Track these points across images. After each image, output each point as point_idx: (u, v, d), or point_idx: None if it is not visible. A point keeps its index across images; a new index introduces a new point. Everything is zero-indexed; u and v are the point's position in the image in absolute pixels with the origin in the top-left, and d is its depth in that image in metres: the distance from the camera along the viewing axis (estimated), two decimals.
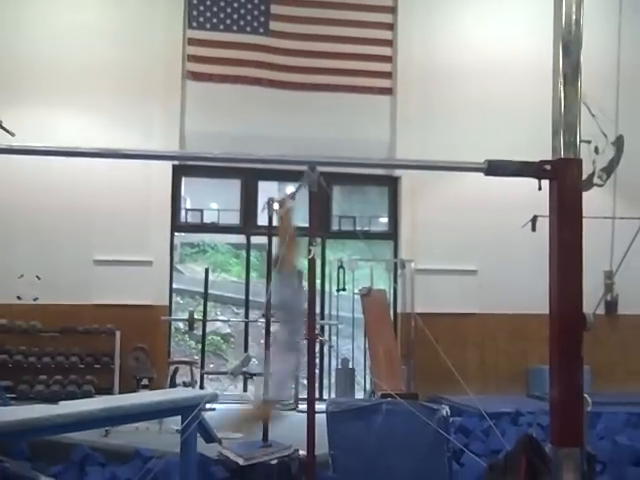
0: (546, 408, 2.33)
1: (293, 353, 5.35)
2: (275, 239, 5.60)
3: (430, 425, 5.11)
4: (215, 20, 10.75)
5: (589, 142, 10.50)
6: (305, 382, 5.76)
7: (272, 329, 7.17)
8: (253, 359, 9.75)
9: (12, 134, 9.84)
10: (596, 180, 10.83)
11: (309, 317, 5.40)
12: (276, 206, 7.05)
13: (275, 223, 7.59)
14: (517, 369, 10.52)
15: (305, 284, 7.52)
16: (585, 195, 2.35)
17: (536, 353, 9.80)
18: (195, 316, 10.32)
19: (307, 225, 5.68)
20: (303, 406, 7.41)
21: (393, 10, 11.13)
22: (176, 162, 10.07)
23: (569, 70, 2.32)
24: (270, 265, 7.71)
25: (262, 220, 8.92)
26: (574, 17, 2.32)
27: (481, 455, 5.86)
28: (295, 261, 5.61)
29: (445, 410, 5.27)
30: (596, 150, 10.67)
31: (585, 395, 2.28)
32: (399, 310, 10.86)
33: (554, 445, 2.25)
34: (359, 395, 10.29)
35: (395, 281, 10.94)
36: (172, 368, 9.40)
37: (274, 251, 5.46)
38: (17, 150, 3.79)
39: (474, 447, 6.55)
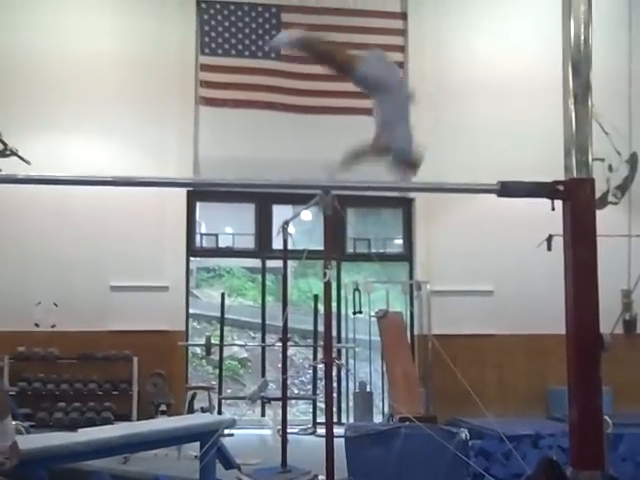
0: (567, 430, 2.30)
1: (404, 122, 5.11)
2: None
3: (449, 449, 5.07)
4: (227, 46, 10.85)
5: (603, 160, 10.48)
6: (323, 406, 5.72)
7: (289, 352, 7.13)
8: (270, 384, 9.73)
9: (28, 162, 9.95)
10: (611, 198, 10.79)
11: (326, 340, 5.39)
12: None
13: (290, 246, 7.61)
14: (536, 390, 10.41)
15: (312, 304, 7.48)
16: (600, 213, 2.34)
17: (555, 374, 9.68)
18: (212, 341, 10.32)
19: (322, 248, 5.69)
20: (321, 430, 7.39)
21: (403, 33, 11.19)
22: (191, 188, 10.13)
23: (579, 90, 2.32)
24: (285, 289, 7.70)
25: (277, 244, 8.95)
26: (583, 37, 2.32)
27: (502, 479, 5.79)
28: None
29: (464, 433, 5.23)
30: (610, 168, 10.63)
31: (605, 416, 2.26)
32: (416, 332, 10.80)
33: (575, 468, 2.22)
34: (377, 418, 10.22)
35: (411, 303, 10.90)
36: (190, 394, 9.40)
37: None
38: (33, 180, 3.82)
39: (495, 471, 6.47)
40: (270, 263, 11.11)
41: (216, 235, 11.07)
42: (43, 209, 9.87)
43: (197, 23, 10.80)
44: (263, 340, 10.98)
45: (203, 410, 9.26)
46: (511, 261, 10.55)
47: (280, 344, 7.68)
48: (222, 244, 11.01)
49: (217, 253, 11.42)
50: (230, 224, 12.00)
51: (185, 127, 10.55)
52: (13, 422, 3.20)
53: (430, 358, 10.04)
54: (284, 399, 7.58)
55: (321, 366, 6.86)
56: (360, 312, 10.50)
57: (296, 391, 13.15)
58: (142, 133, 10.31)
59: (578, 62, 2.32)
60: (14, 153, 10.06)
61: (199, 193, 10.57)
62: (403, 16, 11.21)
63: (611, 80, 10.17)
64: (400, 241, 11.46)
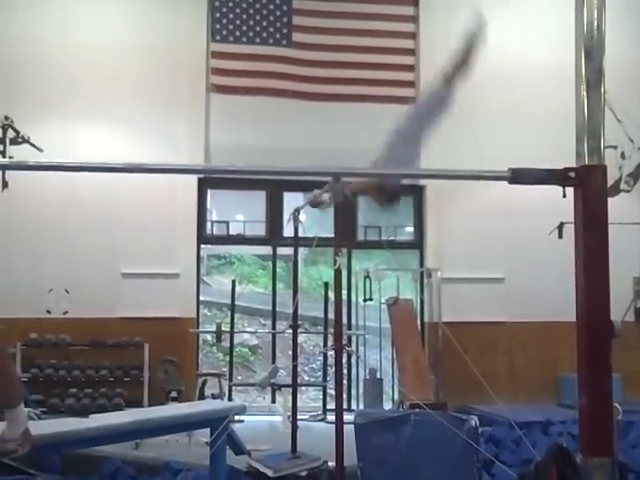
0: (577, 417, 2.30)
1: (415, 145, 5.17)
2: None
3: (459, 436, 5.07)
4: (238, 33, 10.82)
5: (615, 147, 10.45)
6: (333, 392, 5.74)
7: (299, 339, 7.15)
8: (281, 370, 9.76)
9: (40, 150, 10.02)
10: (623, 186, 10.75)
11: (336, 327, 5.40)
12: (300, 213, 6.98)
13: (301, 233, 7.61)
14: (547, 378, 10.41)
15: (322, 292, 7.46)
16: (612, 201, 2.33)
17: (566, 361, 9.68)
18: (222, 328, 10.36)
19: (333, 235, 5.69)
20: (331, 417, 7.41)
21: (415, 19, 11.13)
22: (202, 175, 10.15)
23: (592, 76, 2.30)
24: (296, 277, 7.71)
25: (288, 231, 8.95)
26: (596, 22, 2.31)
27: (512, 465, 5.80)
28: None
29: (474, 420, 5.22)
30: (622, 155, 10.59)
31: (615, 404, 2.26)
32: (426, 319, 10.81)
33: (584, 455, 2.23)
34: (387, 405, 10.25)
35: (422, 290, 10.90)
36: (200, 380, 9.45)
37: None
38: (45, 166, 3.84)
39: (504, 457, 6.50)
40: (281, 250, 11.13)
41: (227, 222, 11.08)
42: (55, 197, 9.91)
43: (208, 10, 10.78)
44: (274, 327, 11.01)
45: (214, 396, 9.31)
46: (522, 249, 10.53)
47: (290, 331, 7.69)
48: (233, 231, 11.03)
49: (228, 240, 11.44)
50: (241, 211, 12.02)
51: (196, 114, 10.55)
52: (25, 409, 3.22)
53: (440, 345, 10.04)
54: (294, 386, 7.60)
55: (331, 353, 6.87)
56: (370, 299, 10.51)
57: (306, 378, 13.19)
58: (153, 121, 10.32)
59: (591, 48, 2.31)
60: (26, 141, 10.16)
61: (210, 180, 10.58)
62: (415, 2, 11.15)
63: (625, 68, 10.11)
64: (411, 228, 11.45)
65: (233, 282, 10.83)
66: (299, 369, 9.75)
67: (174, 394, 8.94)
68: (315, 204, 5.74)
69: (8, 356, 3.23)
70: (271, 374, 9.02)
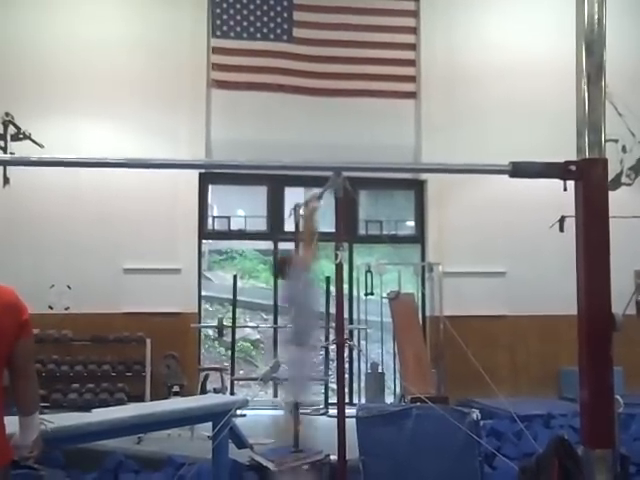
0: (579, 410, 2.31)
1: (304, 348, 5.35)
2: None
3: (461, 429, 5.09)
4: (239, 28, 10.81)
5: (616, 141, 10.44)
6: (335, 387, 5.76)
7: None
8: (283, 365, 9.76)
9: (41, 146, 10.03)
10: (624, 179, 10.75)
11: (337, 321, 5.41)
12: (302, 209, 7.05)
13: (302, 228, 7.62)
14: (548, 371, 10.42)
15: (324, 286, 7.46)
16: (613, 194, 2.34)
17: (568, 355, 9.69)
18: (224, 323, 10.36)
19: (334, 230, 5.70)
20: (333, 411, 7.42)
21: (416, 14, 11.11)
22: (203, 170, 10.15)
23: (593, 70, 2.31)
24: (284, 269, 7.74)
25: (289, 226, 8.97)
26: (596, 16, 2.31)
27: (513, 458, 5.81)
28: (311, 261, 5.60)
29: (476, 414, 5.24)
30: (624, 149, 10.59)
31: (616, 396, 2.27)
32: (428, 313, 10.82)
33: (586, 447, 2.24)
34: (389, 399, 10.26)
35: (423, 284, 10.90)
36: (202, 375, 9.46)
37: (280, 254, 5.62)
38: (46, 162, 3.85)
39: (506, 450, 6.51)
40: (282, 245, 11.13)
41: (228, 217, 11.09)
42: (56, 192, 9.93)
43: (209, 6, 10.77)
44: (275, 322, 11.02)
45: (216, 391, 9.32)
46: (523, 242, 10.54)
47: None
48: (234, 226, 11.03)
49: (229, 235, 11.45)
50: (242, 206, 12.02)
51: (197, 110, 10.55)
52: (40, 416, 3.23)
53: (442, 339, 10.05)
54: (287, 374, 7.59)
55: (333, 347, 6.88)
56: (372, 293, 10.51)
57: None
58: (154, 116, 10.32)
59: (592, 42, 2.31)
60: (27, 137, 10.16)
61: (211, 175, 10.58)
62: (415, 14, 11.12)
63: (626, 61, 10.11)
64: (412, 223, 11.45)
65: (234, 277, 10.84)
66: None
67: (176, 389, 8.96)
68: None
69: (32, 362, 3.23)
70: (273, 368, 9.01)
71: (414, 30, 11.11)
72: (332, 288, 9.86)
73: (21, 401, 3.07)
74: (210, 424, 5.45)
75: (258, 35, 10.84)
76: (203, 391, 9.11)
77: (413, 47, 11.10)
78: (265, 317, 14.00)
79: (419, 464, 5.26)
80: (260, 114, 10.62)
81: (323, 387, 10.64)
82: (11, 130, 10.16)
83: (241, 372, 12.72)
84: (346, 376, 8.26)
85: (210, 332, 12.76)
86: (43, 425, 3.38)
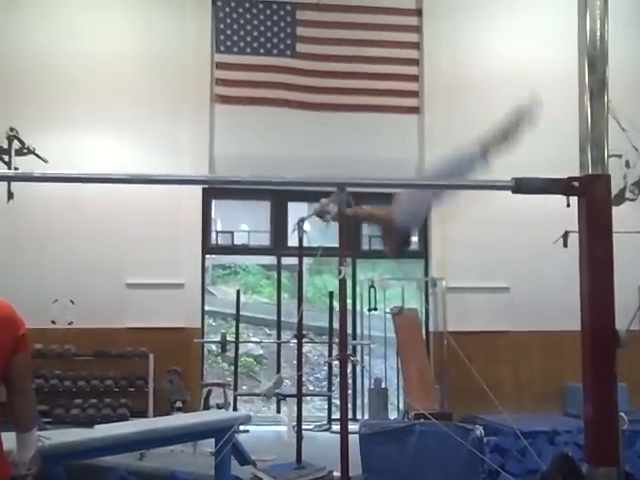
0: (583, 427, 2.30)
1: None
2: None
3: (464, 445, 5.06)
4: (242, 43, 10.86)
5: (620, 156, 10.44)
6: (338, 402, 5.73)
7: (304, 349, 7.14)
8: (286, 380, 9.74)
9: (45, 161, 10.06)
10: (628, 195, 10.74)
11: (341, 337, 5.39)
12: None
13: (305, 243, 7.61)
14: (553, 387, 10.37)
15: (327, 301, 7.41)
16: (617, 210, 2.34)
17: (572, 371, 9.63)
18: (227, 338, 10.35)
19: (337, 245, 5.69)
20: (336, 427, 7.40)
21: (418, 29, 11.15)
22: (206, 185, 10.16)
23: (595, 85, 2.31)
24: (301, 286, 7.72)
25: (292, 241, 8.97)
26: (599, 32, 2.31)
27: (517, 475, 5.78)
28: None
29: (479, 430, 5.22)
30: (627, 164, 10.59)
31: (621, 413, 2.25)
32: (431, 329, 10.79)
33: (590, 465, 2.22)
34: (392, 415, 10.22)
35: (426, 300, 10.89)
36: (205, 390, 9.44)
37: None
38: (49, 178, 3.86)
39: (510, 467, 6.46)
40: (285, 260, 11.14)
41: (232, 232, 11.09)
42: (60, 207, 9.94)
43: (212, 21, 10.81)
44: (278, 337, 11.00)
45: (218, 406, 9.31)
46: (527, 258, 10.51)
47: (295, 341, 7.69)
48: (238, 241, 11.03)
49: (233, 250, 11.44)
50: (245, 221, 12.04)
51: (200, 125, 10.58)
52: (37, 432, 3.21)
53: (445, 355, 10.02)
54: (299, 396, 7.60)
55: (336, 363, 6.87)
56: (375, 309, 10.49)
57: (311, 388, 13.17)
58: (157, 131, 10.35)
59: (594, 57, 2.31)
60: (31, 151, 10.20)
61: (214, 190, 10.58)
62: (418, 13, 11.18)
63: (629, 75, 10.12)
64: (415, 238, 11.43)
65: (238, 292, 10.84)
66: (304, 379, 9.72)
67: (179, 404, 8.93)
68: (321, 214, 5.73)
69: (30, 378, 3.22)
70: (276, 384, 9.00)
71: (417, 45, 11.14)
72: (335, 303, 9.86)
73: (18, 418, 3.05)
74: (213, 440, 5.43)
75: (261, 50, 10.88)
76: (206, 407, 9.09)
77: (416, 62, 11.12)
78: (268, 332, 13.98)
79: None
80: (263, 129, 10.64)
81: (326, 403, 10.61)
82: (15, 145, 10.20)
83: (244, 388, 12.70)
84: (349, 392, 8.23)
85: (213, 347, 12.74)
86: (40, 442, 3.36)
